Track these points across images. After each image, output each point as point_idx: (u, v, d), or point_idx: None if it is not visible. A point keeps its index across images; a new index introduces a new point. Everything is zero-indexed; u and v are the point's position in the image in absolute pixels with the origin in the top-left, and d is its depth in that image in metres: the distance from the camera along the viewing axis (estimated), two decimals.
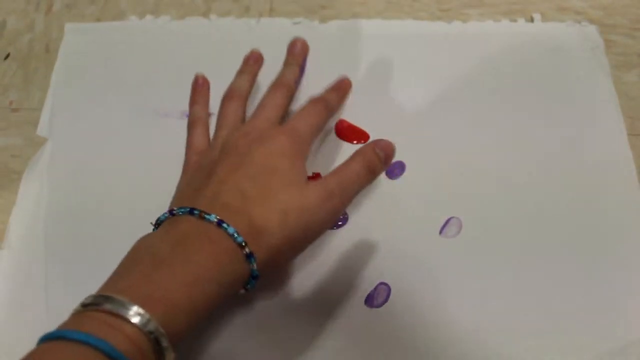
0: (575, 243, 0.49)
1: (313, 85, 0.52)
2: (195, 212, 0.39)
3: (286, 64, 0.52)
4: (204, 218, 0.39)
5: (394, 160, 0.47)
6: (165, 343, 0.34)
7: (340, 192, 0.43)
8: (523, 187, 0.51)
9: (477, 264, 0.48)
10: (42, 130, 0.55)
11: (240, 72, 0.52)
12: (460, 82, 0.56)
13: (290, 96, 0.50)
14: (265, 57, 0.54)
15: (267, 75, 0.52)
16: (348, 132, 0.54)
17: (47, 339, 0.33)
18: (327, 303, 0.47)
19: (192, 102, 0.53)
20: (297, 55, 0.52)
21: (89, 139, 0.55)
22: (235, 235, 0.38)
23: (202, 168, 0.45)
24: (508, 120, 0.54)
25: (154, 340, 0.33)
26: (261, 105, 0.48)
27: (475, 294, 0.47)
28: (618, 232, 0.49)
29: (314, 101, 0.48)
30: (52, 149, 0.54)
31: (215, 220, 0.39)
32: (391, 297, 0.47)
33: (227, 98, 0.50)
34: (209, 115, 0.52)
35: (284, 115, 0.48)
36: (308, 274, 0.48)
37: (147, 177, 0.52)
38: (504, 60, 0.57)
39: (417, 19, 0.60)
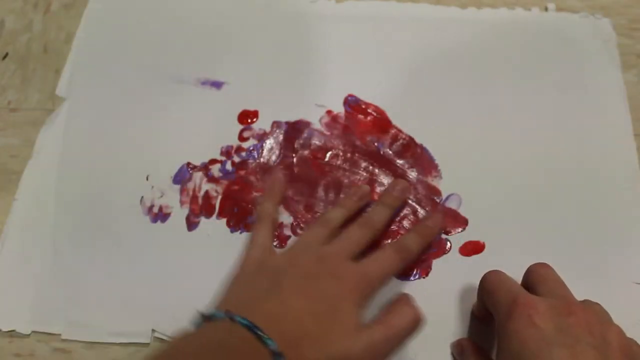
0: (576, 231, 0.50)
1: (332, 61, 0.57)
2: (258, 332, 0.37)
3: (381, 202, 0.50)
4: (262, 341, 0.37)
5: None
6: None
7: (387, 346, 0.41)
8: (527, 172, 0.52)
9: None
10: (60, 90, 0.57)
11: (340, 205, 0.50)
12: (472, 67, 0.57)
13: (373, 238, 0.48)
14: (280, 34, 0.57)
15: (277, 56, 0.56)
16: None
17: None
18: None
19: (266, 196, 0.51)
20: (395, 198, 0.51)
21: (105, 102, 0.56)
22: None
23: (265, 271, 0.44)
24: (517, 106, 0.55)
25: None
26: (343, 235, 0.47)
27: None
28: (619, 219, 0.51)
29: (395, 248, 0.46)
30: (69, 110, 0.56)
31: (276, 350, 0.37)
32: None
33: (318, 223, 0.48)
34: (277, 213, 0.51)
35: (361, 253, 0.46)
36: None
37: (160, 141, 0.53)
38: (516, 47, 0.58)
39: (432, 4, 0.61)
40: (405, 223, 0.51)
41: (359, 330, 0.40)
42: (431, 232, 0.49)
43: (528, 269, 0.43)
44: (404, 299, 0.43)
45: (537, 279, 0.42)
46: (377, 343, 0.40)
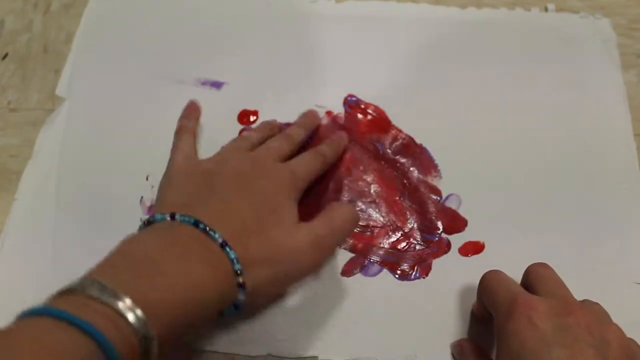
0: (575, 231, 0.50)
1: (333, 61, 0.57)
2: (201, 225, 0.38)
3: (297, 124, 0.53)
4: (208, 234, 0.38)
5: None
6: (154, 350, 0.33)
7: (327, 241, 0.43)
8: (527, 172, 0.53)
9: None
10: (60, 90, 0.57)
11: (254, 129, 0.53)
12: (472, 67, 0.58)
13: (292, 150, 0.50)
14: (281, 33, 0.58)
15: (277, 57, 0.56)
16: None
17: (36, 314, 0.31)
18: None
19: (182, 116, 0.53)
20: (309, 122, 0.54)
21: (105, 102, 0.56)
22: (235, 261, 0.38)
23: (194, 175, 0.45)
24: (517, 106, 0.56)
25: (144, 347, 0.32)
26: (266, 144, 0.49)
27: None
28: (619, 219, 0.51)
29: (314, 152, 0.50)
30: (69, 110, 0.56)
31: (220, 240, 0.38)
32: None
33: (236, 139, 0.52)
34: (197, 130, 0.53)
35: (287, 158, 0.49)
36: None
37: (160, 141, 0.53)
38: (516, 47, 0.59)
39: (432, 4, 0.61)
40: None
41: (300, 224, 0.43)
42: (339, 143, 0.52)
43: (527, 269, 0.43)
44: (337, 203, 0.47)
45: (536, 279, 0.42)
46: (321, 236, 0.42)
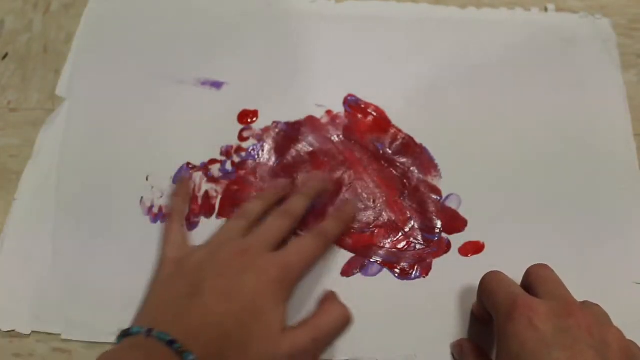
0: (575, 231, 0.50)
1: (332, 61, 0.57)
2: (175, 345, 0.37)
3: (300, 192, 0.50)
4: (182, 356, 0.36)
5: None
6: None
7: (314, 348, 0.41)
8: (527, 172, 0.53)
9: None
10: (60, 90, 0.57)
11: (258, 197, 0.51)
12: (471, 67, 0.58)
13: (292, 228, 0.48)
14: (280, 34, 0.58)
15: (276, 56, 0.56)
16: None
17: None
18: None
19: (173, 194, 0.51)
20: (312, 187, 0.51)
21: (105, 102, 0.56)
22: None
23: (184, 271, 0.43)
24: (517, 106, 0.56)
25: None
26: (262, 226, 0.46)
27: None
28: (619, 219, 0.51)
29: (315, 234, 0.46)
30: (69, 110, 0.56)
31: None
32: None
33: (235, 216, 0.48)
34: (187, 209, 0.51)
35: (281, 243, 0.46)
36: None
37: (159, 141, 0.53)
38: (516, 47, 0.59)
39: (432, 4, 0.61)
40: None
41: (284, 331, 0.41)
42: (348, 217, 0.50)
43: (527, 270, 0.43)
44: (330, 298, 0.44)
45: (536, 280, 0.42)
46: (304, 345, 0.40)
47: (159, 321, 0.39)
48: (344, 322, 0.42)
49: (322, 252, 0.46)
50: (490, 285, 0.42)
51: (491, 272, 0.43)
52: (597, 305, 0.40)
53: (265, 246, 0.44)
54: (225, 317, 0.39)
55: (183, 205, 0.51)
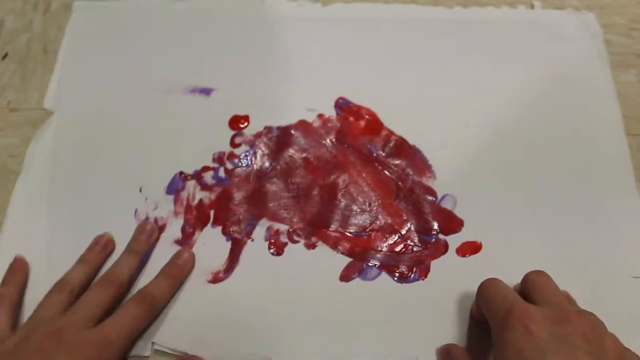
0: (571, 228, 0.50)
1: (317, 67, 0.57)
2: None
3: (126, 250, 0.49)
4: None
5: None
6: None
7: None
8: (520, 170, 0.53)
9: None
10: (48, 103, 0.57)
11: (80, 260, 0.48)
12: (461, 67, 0.58)
13: (119, 296, 0.46)
14: (266, 37, 0.58)
15: (265, 61, 0.56)
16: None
17: None
18: None
19: (3, 282, 0.48)
20: (142, 243, 0.49)
21: (93, 114, 0.56)
22: None
23: None
24: (507, 104, 0.56)
25: None
26: (82, 300, 0.44)
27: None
28: (614, 214, 0.51)
29: (139, 300, 0.45)
30: (57, 122, 0.55)
31: None
32: None
33: (55, 288, 0.45)
34: (19, 296, 0.47)
35: (108, 313, 0.44)
36: None
37: (151, 152, 0.53)
38: (504, 45, 0.59)
39: (418, 4, 0.61)
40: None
41: None
42: (179, 272, 0.48)
43: (524, 277, 0.43)
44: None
45: (533, 287, 0.42)
46: None
47: None
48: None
49: (147, 320, 0.45)
50: (487, 292, 0.42)
51: (488, 280, 0.43)
52: (592, 313, 0.40)
53: (83, 323, 0.42)
54: None
55: (14, 292, 0.47)
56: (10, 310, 0.45)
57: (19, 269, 0.48)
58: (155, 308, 0.45)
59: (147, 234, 0.49)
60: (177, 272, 0.48)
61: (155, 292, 0.45)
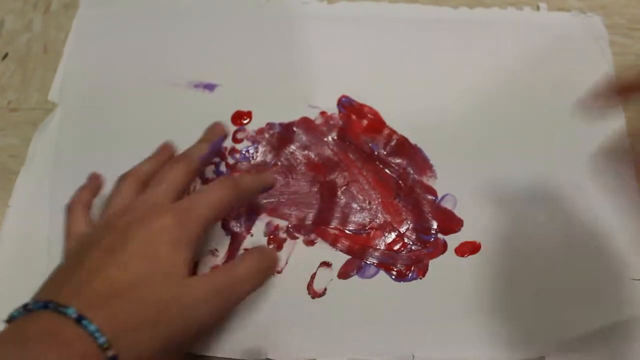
0: (572, 229, 0.50)
1: (321, 65, 0.57)
2: (50, 305, 0.33)
3: (198, 141, 0.48)
4: (60, 312, 0.33)
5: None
6: None
7: (229, 291, 0.39)
8: (522, 171, 0.53)
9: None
10: (53, 96, 0.57)
11: (147, 158, 0.47)
12: (465, 67, 0.58)
13: (192, 173, 0.45)
14: (272, 35, 0.58)
15: (269, 58, 0.57)
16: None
17: None
18: None
19: (81, 187, 0.48)
20: (211, 134, 0.49)
21: (97, 107, 0.56)
22: (97, 334, 0.32)
23: (78, 252, 0.39)
24: (509, 105, 0.56)
25: None
26: (155, 178, 0.43)
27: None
28: (615, 216, 0.51)
29: (223, 179, 0.43)
30: (61, 115, 0.55)
31: (75, 315, 0.32)
32: None
33: (121, 177, 0.45)
34: (92, 201, 0.47)
35: (183, 191, 0.44)
36: None
37: (153, 146, 0.52)
38: (509, 46, 0.59)
39: (423, 4, 0.61)
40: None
41: (192, 277, 0.38)
42: (265, 178, 0.47)
43: None
44: (253, 249, 0.43)
45: None
46: (218, 286, 0.38)
47: (38, 295, 0.36)
48: (263, 265, 0.41)
49: (231, 200, 0.42)
50: None
51: None
52: None
53: (159, 197, 0.41)
54: (109, 268, 0.36)
55: (89, 195, 0.47)
56: (85, 212, 0.45)
57: (94, 179, 0.48)
58: (239, 192, 0.43)
59: (217, 128, 0.49)
60: (263, 178, 0.47)
61: (242, 180, 0.44)
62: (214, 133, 0.49)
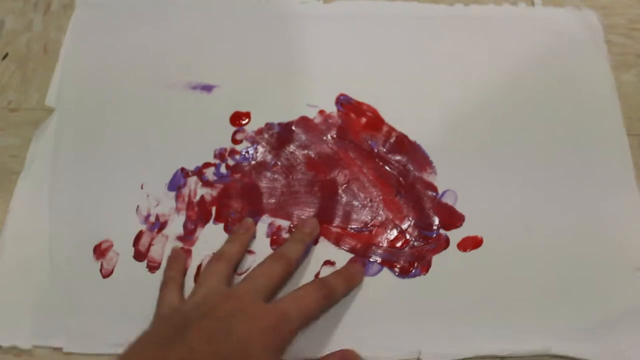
0: (573, 222, 0.50)
1: (319, 64, 0.57)
2: None
3: (293, 238, 0.49)
4: None
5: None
6: None
7: None
8: (521, 165, 0.53)
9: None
10: (49, 100, 0.57)
11: (229, 240, 0.49)
12: (462, 63, 0.58)
13: (289, 274, 0.46)
14: (270, 35, 0.58)
15: (267, 58, 0.56)
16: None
17: None
18: None
19: (168, 267, 0.49)
20: (307, 234, 0.49)
21: (94, 111, 0.56)
22: None
23: (173, 319, 0.41)
24: (506, 100, 0.56)
25: None
26: (253, 272, 0.45)
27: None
28: (616, 209, 0.51)
29: (318, 285, 0.44)
30: (59, 119, 0.55)
31: None
32: None
33: (213, 259, 0.47)
34: (183, 279, 0.48)
35: (277, 291, 0.46)
36: None
37: (152, 148, 0.53)
38: (505, 42, 0.59)
39: (420, 2, 0.61)
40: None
41: None
42: (354, 279, 0.47)
43: None
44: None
45: None
46: None
47: (142, 356, 0.37)
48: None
49: (324, 307, 0.44)
50: None
51: None
52: None
53: (258, 293, 0.42)
54: (208, 356, 0.37)
55: (176, 274, 0.48)
56: (178, 289, 0.46)
57: (178, 257, 0.49)
58: (332, 298, 0.45)
59: (311, 227, 0.49)
60: (352, 278, 0.47)
61: (335, 285, 0.45)
62: (308, 234, 0.49)
